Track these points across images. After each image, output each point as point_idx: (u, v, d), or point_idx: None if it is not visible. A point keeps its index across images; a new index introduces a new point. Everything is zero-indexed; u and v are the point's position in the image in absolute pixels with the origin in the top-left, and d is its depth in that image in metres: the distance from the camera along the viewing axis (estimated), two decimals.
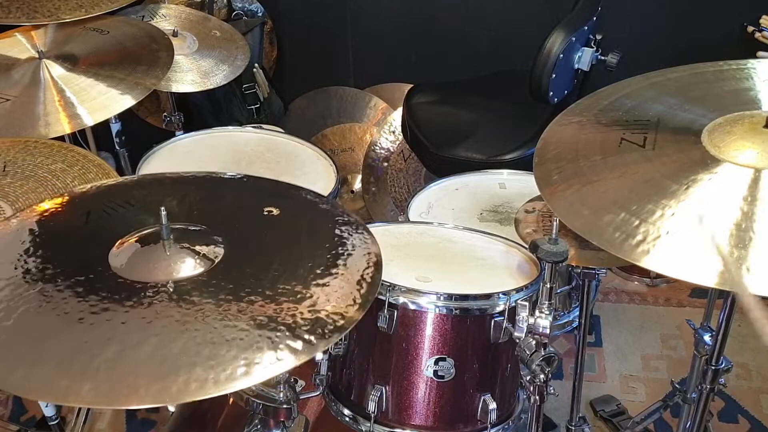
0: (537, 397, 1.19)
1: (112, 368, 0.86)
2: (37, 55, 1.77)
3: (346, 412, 1.34)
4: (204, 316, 0.92)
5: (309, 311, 0.95)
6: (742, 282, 0.92)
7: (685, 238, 0.99)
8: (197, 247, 1.06)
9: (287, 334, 0.91)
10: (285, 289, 0.98)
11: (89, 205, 1.19)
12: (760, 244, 0.96)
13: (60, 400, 0.88)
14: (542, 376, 1.15)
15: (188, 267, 1.02)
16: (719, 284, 0.94)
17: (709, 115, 1.19)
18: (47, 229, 1.14)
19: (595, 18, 1.94)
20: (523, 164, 1.89)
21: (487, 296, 1.22)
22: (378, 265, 1.07)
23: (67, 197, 1.22)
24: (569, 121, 1.29)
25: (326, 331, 0.93)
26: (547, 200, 1.16)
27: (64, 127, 1.61)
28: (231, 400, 1.38)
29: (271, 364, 0.87)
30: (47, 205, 1.19)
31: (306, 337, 0.91)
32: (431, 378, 1.25)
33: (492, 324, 1.23)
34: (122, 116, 1.88)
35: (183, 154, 1.74)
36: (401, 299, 1.23)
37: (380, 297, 1.21)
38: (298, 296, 0.97)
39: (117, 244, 1.07)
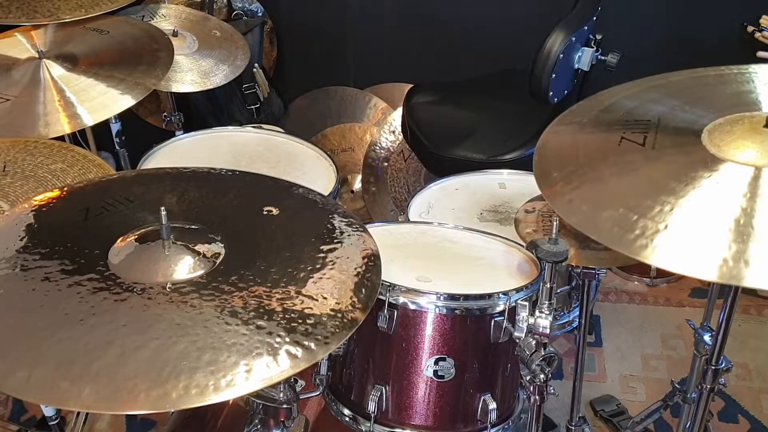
0: (537, 397, 1.19)
1: (113, 372, 0.85)
2: (37, 55, 1.77)
3: (346, 411, 1.34)
4: (204, 320, 0.92)
5: (309, 316, 0.95)
6: None
7: (685, 233, 0.99)
8: (197, 248, 1.06)
9: (287, 339, 0.91)
10: (285, 293, 0.98)
11: (88, 200, 1.19)
12: (760, 241, 0.95)
13: (60, 404, 0.88)
14: (542, 376, 1.15)
15: (188, 268, 1.02)
16: (719, 278, 0.94)
17: (710, 116, 1.19)
18: (46, 225, 1.14)
19: (595, 18, 1.93)
20: (523, 164, 1.89)
21: (487, 296, 1.22)
22: (377, 268, 1.07)
23: (66, 191, 1.22)
24: (570, 121, 1.29)
25: (326, 336, 0.92)
26: (547, 200, 1.16)
27: (64, 127, 1.61)
28: (231, 400, 1.38)
29: (271, 371, 0.87)
30: (46, 199, 1.19)
31: (305, 343, 0.91)
32: (431, 378, 1.25)
33: (492, 324, 1.23)
34: (122, 116, 1.88)
35: (183, 154, 1.74)
36: (401, 299, 1.23)
37: (380, 297, 1.21)
38: (298, 300, 0.97)
39: (117, 243, 1.07)
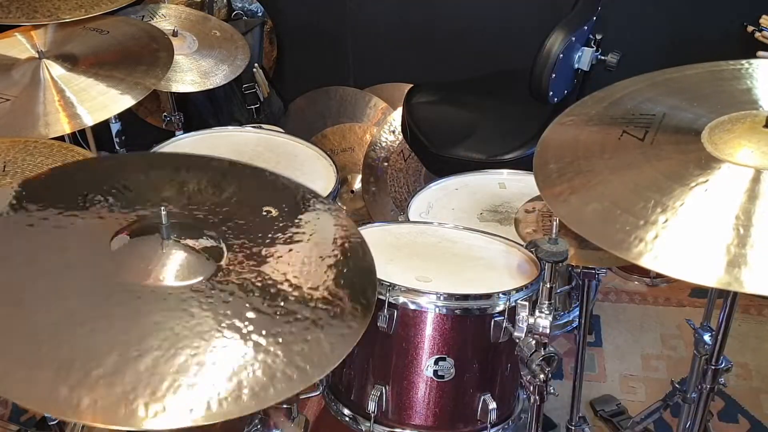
0: (537, 397, 1.19)
1: (111, 384, 0.84)
2: (37, 55, 1.77)
3: (346, 411, 1.34)
4: (203, 332, 0.91)
5: (308, 327, 0.95)
6: None
7: (682, 235, 0.99)
8: (197, 248, 1.05)
9: (284, 360, 0.90)
10: (282, 303, 0.98)
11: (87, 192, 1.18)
12: (757, 244, 0.95)
13: (59, 414, 0.87)
14: (542, 376, 1.15)
15: (187, 271, 1.01)
16: (718, 283, 0.93)
17: (716, 113, 1.17)
18: (45, 222, 1.13)
19: (595, 18, 1.93)
20: (523, 164, 1.89)
21: (487, 296, 1.22)
22: (372, 281, 1.07)
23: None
24: (570, 121, 1.28)
25: (323, 357, 0.93)
26: (546, 201, 1.16)
27: (64, 127, 1.61)
28: None
29: (268, 392, 0.87)
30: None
31: (301, 365, 0.90)
32: (431, 378, 1.25)
33: (492, 324, 1.23)
34: (122, 116, 1.88)
35: None
36: (401, 299, 1.23)
37: (380, 297, 1.21)
38: (298, 309, 0.97)
39: (116, 242, 1.06)
